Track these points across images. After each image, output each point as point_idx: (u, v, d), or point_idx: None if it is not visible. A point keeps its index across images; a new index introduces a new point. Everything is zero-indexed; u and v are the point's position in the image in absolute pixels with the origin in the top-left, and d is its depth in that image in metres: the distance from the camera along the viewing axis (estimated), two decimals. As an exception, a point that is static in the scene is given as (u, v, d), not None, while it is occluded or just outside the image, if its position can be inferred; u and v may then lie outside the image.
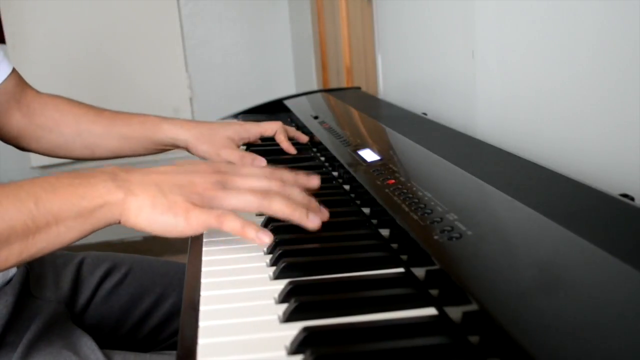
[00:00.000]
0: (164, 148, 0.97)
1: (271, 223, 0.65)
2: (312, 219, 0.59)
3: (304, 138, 1.03)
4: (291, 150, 0.98)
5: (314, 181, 0.65)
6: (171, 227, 0.55)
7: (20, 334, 0.72)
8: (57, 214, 0.53)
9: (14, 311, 0.75)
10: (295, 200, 0.60)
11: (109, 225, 0.56)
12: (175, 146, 0.96)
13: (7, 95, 0.93)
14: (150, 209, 0.55)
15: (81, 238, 0.56)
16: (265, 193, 0.58)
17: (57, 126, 0.95)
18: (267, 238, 0.56)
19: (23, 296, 0.78)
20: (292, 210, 0.58)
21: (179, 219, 0.55)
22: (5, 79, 0.91)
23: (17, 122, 0.94)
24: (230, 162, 0.64)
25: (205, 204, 0.56)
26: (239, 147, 0.95)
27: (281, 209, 0.58)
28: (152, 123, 0.95)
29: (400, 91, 1.36)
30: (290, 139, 1.00)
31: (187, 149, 0.96)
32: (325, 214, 0.62)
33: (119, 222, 0.56)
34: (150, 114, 0.97)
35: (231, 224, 0.55)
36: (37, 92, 0.98)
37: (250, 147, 1.03)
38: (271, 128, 0.98)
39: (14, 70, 0.93)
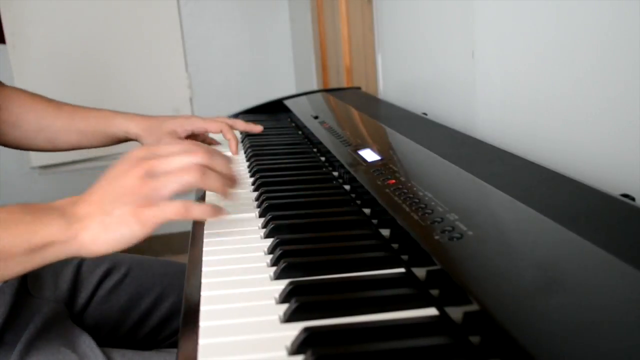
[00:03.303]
0: (118, 140, 1.03)
1: (271, 222, 0.66)
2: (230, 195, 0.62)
3: (257, 128, 1.09)
4: (234, 150, 1.04)
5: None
6: (129, 237, 0.56)
7: (19, 333, 0.72)
8: (7, 250, 0.54)
9: (12, 310, 0.75)
10: (222, 172, 0.61)
11: (60, 259, 0.57)
12: (129, 139, 1.02)
13: None
14: (103, 233, 0.55)
15: (29, 271, 0.56)
16: (199, 169, 0.58)
17: (20, 122, 0.98)
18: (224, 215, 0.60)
19: (21, 295, 0.78)
20: (223, 188, 0.60)
21: (133, 227, 0.55)
22: None
23: None
24: (146, 146, 0.62)
25: (150, 202, 0.56)
26: (182, 138, 1.00)
27: (215, 186, 0.59)
28: (106, 118, 1.00)
29: (400, 91, 1.36)
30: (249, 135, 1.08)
31: (138, 141, 1.01)
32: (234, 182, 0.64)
33: (79, 255, 0.57)
34: (107, 109, 1.02)
35: (197, 212, 0.58)
36: (1, 85, 1.00)
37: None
38: (215, 126, 1.03)
39: None
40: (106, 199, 0.56)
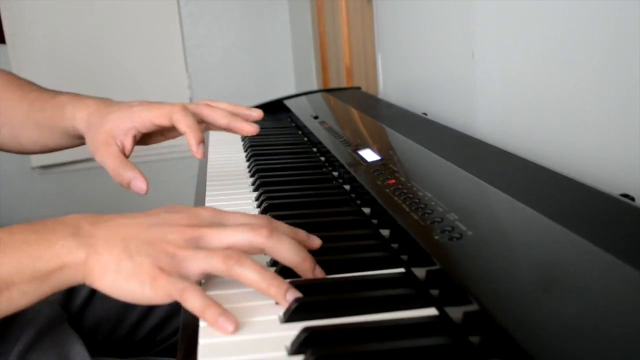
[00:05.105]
0: (78, 137, 0.77)
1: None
2: (289, 296, 0.47)
3: (255, 114, 0.75)
4: (198, 154, 0.68)
5: (316, 242, 0.55)
6: (138, 295, 0.47)
7: (13, 342, 0.68)
8: (7, 278, 0.46)
9: (6, 318, 0.72)
10: (283, 255, 0.51)
11: (72, 286, 0.49)
12: (83, 137, 0.75)
13: None
14: (114, 274, 0.47)
15: (39, 301, 0.48)
16: (237, 257, 0.48)
17: None
18: (230, 326, 0.45)
19: None
20: (263, 283, 0.48)
21: (146, 287, 0.47)
22: None
23: None
24: (215, 210, 0.53)
25: (173, 269, 0.48)
26: (125, 143, 0.70)
27: (250, 279, 0.48)
28: (59, 107, 0.76)
29: (400, 91, 1.36)
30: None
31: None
32: (316, 242, 0.55)
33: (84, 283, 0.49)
34: (69, 93, 0.78)
35: (191, 304, 0.46)
36: None
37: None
38: (163, 113, 0.69)
39: None
40: (136, 237, 0.48)
